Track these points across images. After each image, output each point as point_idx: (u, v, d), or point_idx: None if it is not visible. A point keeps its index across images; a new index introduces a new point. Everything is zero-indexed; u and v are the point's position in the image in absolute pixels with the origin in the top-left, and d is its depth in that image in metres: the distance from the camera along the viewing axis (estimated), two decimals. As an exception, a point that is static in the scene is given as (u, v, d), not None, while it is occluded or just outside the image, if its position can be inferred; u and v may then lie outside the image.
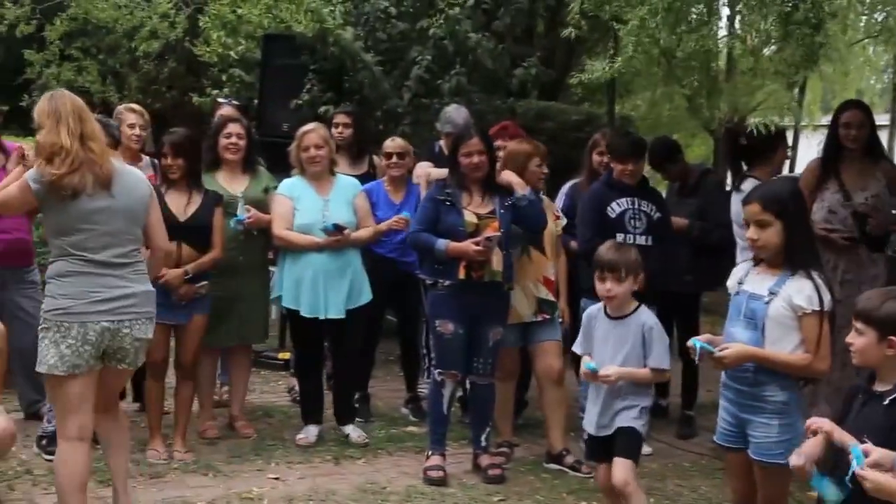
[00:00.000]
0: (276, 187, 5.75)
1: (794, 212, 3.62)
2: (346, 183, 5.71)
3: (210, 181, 5.53)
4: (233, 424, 5.79)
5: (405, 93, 7.83)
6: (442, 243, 5.04)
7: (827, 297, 3.52)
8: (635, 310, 4.13)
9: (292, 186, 5.62)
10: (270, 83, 7.89)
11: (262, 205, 5.68)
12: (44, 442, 5.15)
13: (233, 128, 5.69)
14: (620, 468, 4.05)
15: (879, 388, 3.06)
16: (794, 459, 3.09)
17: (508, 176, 5.24)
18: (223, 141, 5.65)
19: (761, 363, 3.58)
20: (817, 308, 3.50)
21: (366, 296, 5.60)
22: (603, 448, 4.17)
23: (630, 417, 4.07)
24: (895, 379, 3.02)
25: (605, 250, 4.18)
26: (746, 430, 3.68)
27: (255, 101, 8.07)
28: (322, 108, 7.56)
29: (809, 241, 3.69)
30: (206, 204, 5.27)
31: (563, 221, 5.73)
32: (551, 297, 5.43)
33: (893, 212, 5.40)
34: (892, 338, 2.99)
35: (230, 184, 5.65)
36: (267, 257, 5.95)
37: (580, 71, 6.15)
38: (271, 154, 7.15)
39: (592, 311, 4.28)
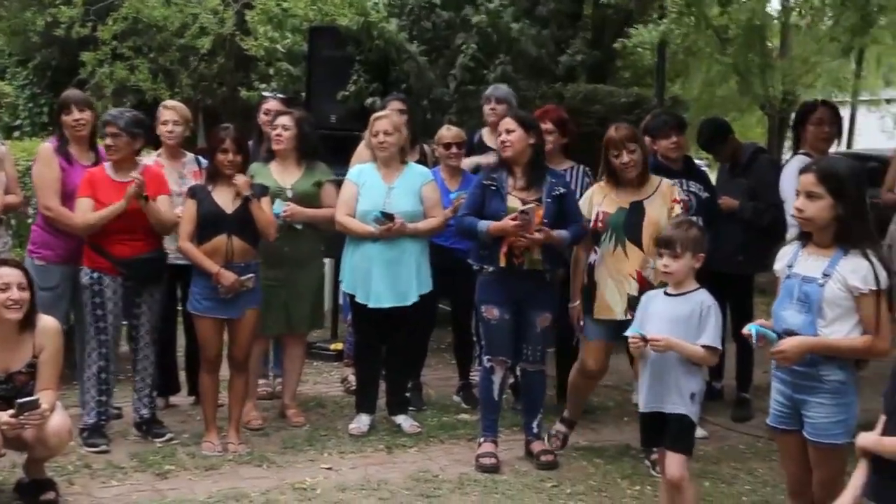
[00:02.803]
0: (331, 181, 5.81)
1: (850, 190, 3.52)
2: (415, 171, 5.68)
3: (263, 172, 5.58)
4: (284, 413, 5.85)
5: (451, 81, 7.82)
6: (483, 224, 5.02)
7: (883, 276, 3.43)
8: (696, 289, 4.09)
9: (360, 172, 5.64)
10: (317, 76, 7.92)
11: (312, 198, 5.72)
12: (85, 434, 5.27)
13: (280, 119, 5.74)
14: (673, 462, 4.04)
15: None
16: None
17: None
18: (272, 133, 5.69)
19: (822, 353, 3.52)
20: (874, 287, 3.42)
21: (424, 286, 5.57)
22: (655, 432, 4.14)
23: (681, 403, 4.03)
24: None
25: (666, 227, 4.22)
26: (801, 411, 3.62)
27: (303, 94, 8.11)
28: (369, 100, 7.58)
29: (864, 221, 3.57)
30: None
31: (680, 208, 5.12)
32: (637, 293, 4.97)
33: None
34: None
35: (281, 176, 5.69)
36: (319, 249, 5.99)
37: (626, 36, 6.01)
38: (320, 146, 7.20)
39: (651, 292, 4.27)
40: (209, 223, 5.21)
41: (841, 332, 3.49)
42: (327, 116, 7.73)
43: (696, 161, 6.99)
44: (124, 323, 5.48)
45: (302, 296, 5.79)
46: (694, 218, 5.30)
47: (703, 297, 4.07)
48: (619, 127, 5.13)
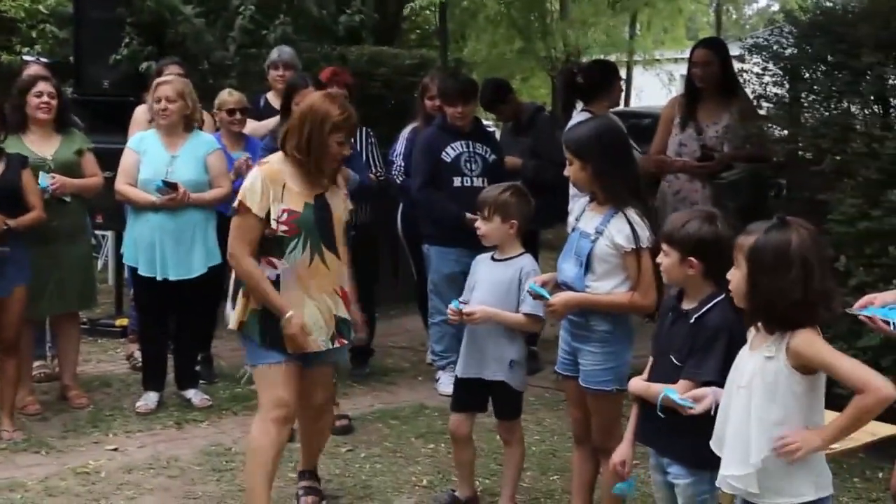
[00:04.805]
0: (90, 149, 5.54)
1: (598, 152, 3.62)
2: (201, 140, 5.47)
3: (17, 144, 5.24)
4: (65, 395, 5.58)
5: (230, 44, 7.58)
6: None
7: (644, 234, 3.57)
8: (519, 255, 4.10)
9: (141, 139, 5.42)
10: (86, 39, 7.46)
11: (74, 167, 5.44)
12: None
13: (43, 86, 5.40)
14: (502, 429, 4.22)
15: (686, 306, 3.15)
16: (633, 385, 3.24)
17: None
18: (34, 101, 5.35)
19: (587, 308, 3.65)
20: (634, 246, 3.56)
21: (213, 258, 5.40)
22: (470, 396, 4.18)
23: (500, 370, 4.07)
24: (699, 297, 3.11)
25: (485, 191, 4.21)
26: (578, 359, 3.75)
27: (71, 59, 7.66)
28: (144, 64, 7.24)
29: (626, 179, 3.65)
30: (11, 167, 4.97)
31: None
32: (348, 315, 4.01)
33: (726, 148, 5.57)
34: (692, 259, 3.08)
35: (39, 146, 5.37)
36: (86, 221, 5.70)
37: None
38: (92, 113, 6.84)
39: (480, 256, 4.24)
40: None
41: (608, 286, 3.62)
42: (99, 82, 7.32)
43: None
44: None
45: (73, 272, 5.50)
46: (480, 181, 5.42)
47: (524, 263, 4.07)
48: (346, 111, 3.85)
